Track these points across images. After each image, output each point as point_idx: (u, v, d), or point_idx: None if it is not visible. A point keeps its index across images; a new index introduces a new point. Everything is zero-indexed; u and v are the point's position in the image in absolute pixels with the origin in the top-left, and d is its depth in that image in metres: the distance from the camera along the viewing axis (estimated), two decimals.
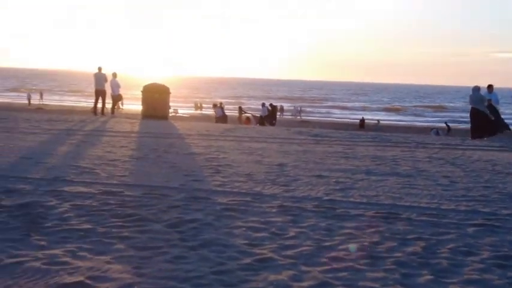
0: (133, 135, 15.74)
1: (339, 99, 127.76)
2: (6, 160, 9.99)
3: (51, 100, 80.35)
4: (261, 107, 42.76)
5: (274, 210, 6.94)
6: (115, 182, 8.38)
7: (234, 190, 8.09)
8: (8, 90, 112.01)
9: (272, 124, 37.27)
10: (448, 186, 9.17)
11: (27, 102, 69.38)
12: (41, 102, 71.01)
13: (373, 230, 6.20)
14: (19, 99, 79.05)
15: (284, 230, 6.07)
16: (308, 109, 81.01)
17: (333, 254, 5.33)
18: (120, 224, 6.01)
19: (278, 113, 48.47)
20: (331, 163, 11.37)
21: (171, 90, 26.57)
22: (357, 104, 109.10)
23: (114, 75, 26.68)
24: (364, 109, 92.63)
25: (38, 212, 6.32)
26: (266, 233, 5.92)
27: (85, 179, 8.49)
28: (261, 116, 39.97)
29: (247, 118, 39.84)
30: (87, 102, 62.70)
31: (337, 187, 8.65)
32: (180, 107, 65.57)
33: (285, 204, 7.27)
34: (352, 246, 5.66)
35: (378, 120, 55.95)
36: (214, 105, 42.09)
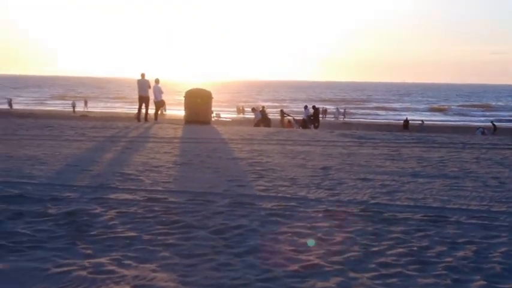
0: (176, 140, 15.78)
1: (382, 100, 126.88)
2: (52, 168, 10.08)
3: (96, 107, 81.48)
4: (303, 109, 42.63)
5: (319, 215, 6.86)
6: (159, 188, 8.39)
7: (279, 195, 8.02)
8: (53, 98, 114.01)
9: (315, 127, 37.11)
10: (498, 187, 8.97)
11: (71, 109, 70.49)
12: (85, 110, 72.09)
13: (421, 234, 6.08)
14: (64, 107, 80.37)
15: (330, 235, 5.98)
16: (351, 111, 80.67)
17: (382, 259, 5.22)
18: (165, 231, 5.99)
19: (321, 115, 48.23)
20: (376, 166, 11.22)
21: (212, 95, 26.62)
22: (400, 105, 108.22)
23: (157, 81, 26.79)
24: (407, 109, 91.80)
25: (84, 220, 6.34)
26: (312, 238, 5.84)
27: (129, 186, 8.52)
28: (303, 119, 39.83)
29: (289, 121, 39.73)
30: (131, 109, 63.33)
31: (383, 190, 8.53)
32: (222, 111, 65.86)
33: (330, 208, 7.18)
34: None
35: (422, 121, 55.18)
36: (253, 109, 42.13)
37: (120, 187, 8.38)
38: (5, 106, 76.51)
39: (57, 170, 9.94)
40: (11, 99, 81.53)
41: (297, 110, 65.32)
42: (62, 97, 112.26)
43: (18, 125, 19.98)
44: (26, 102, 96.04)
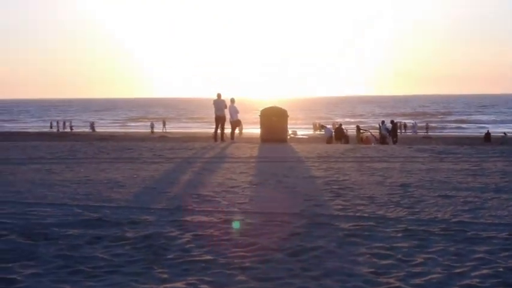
0: (252, 160, 15.81)
1: (463, 113, 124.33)
2: (130, 191, 10.22)
3: (174, 128, 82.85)
4: (380, 124, 42.16)
5: (399, 234, 6.68)
6: (235, 209, 8.37)
7: (357, 214, 7.88)
8: (133, 119, 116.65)
9: (393, 142, 36.61)
10: None
11: (150, 131, 71.90)
12: (164, 131, 73.38)
13: (507, 254, 5.83)
14: (144, 128, 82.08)
15: (411, 256, 5.81)
16: (432, 124, 79.33)
17: (466, 281, 5.02)
18: (241, 253, 5.94)
19: (399, 130, 47.55)
20: (457, 181, 10.91)
21: (288, 113, 26.63)
22: (481, 117, 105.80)
23: (232, 100, 27.04)
24: (489, 122, 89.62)
25: (161, 244, 6.36)
26: (392, 259, 5.69)
27: (206, 207, 8.53)
28: (381, 134, 39.38)
29: (366, 137, 39.32)
30: (209, 129, 64.09)
31: (466, 207, 8.26)
32: (298, 129, 65.85)
33: (410, 227, 6.99)
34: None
35: (505, 133, 53.61)
36: (322, 126, 42.13)
37: (197, 209, 8.41)
38: (88, 129, 78.89)
39: (135, 192, 10.08)
40: (93, 123, 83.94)
41: (375, 125, 64.69)
42: (141, 119, 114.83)
43: (98, 148, 20.44)
44: (107, 125, 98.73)
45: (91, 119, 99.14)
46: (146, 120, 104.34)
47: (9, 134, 57.16)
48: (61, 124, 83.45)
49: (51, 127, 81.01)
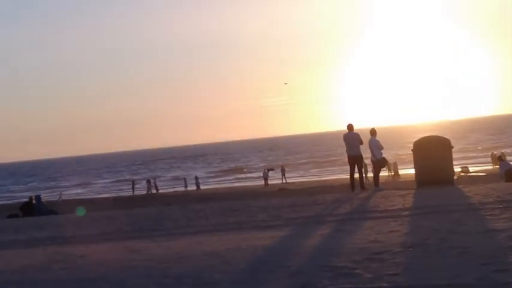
0: (405, 213, 15.64)
1: None
2: (238, 267, 10.32)
3: (295, 177, 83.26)
4: None
5: None
6: (384, 284, 8.31)
7: None
8: (237, 170, 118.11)
9: None
10: None
11: (263, 183, 72.59)
12: (283, 181, 73.79)
13: None
14: (253, 180, 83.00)
15: None
16: None
17: None
18: None
19: None
20: None
21: (452, 142, 26.17)
22: None
23: (373, 132, 25.90)
24: None
25: None
26: None
27: (343, 284, 8.51)
28: None
29: None
30: (342, 174, 64.03)
31: None
32: (470, 164, 64.62)
33: None
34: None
35: None
36: (500, 158, 40.59)
37: (330, 287, 8.39)
38: (182, 188, 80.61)
39: (243, 269, 10.18)
40: (197, 177, 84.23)
41: None
42: (239, 169, 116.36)
43: (195, 211, 20.80)
44: (208, 180, 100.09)
45: (191, 174, 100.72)
46: (254, 170, 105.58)
47: (77, 202, 59.18)
48: (148, 183, 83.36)
49: (133, 189, 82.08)
